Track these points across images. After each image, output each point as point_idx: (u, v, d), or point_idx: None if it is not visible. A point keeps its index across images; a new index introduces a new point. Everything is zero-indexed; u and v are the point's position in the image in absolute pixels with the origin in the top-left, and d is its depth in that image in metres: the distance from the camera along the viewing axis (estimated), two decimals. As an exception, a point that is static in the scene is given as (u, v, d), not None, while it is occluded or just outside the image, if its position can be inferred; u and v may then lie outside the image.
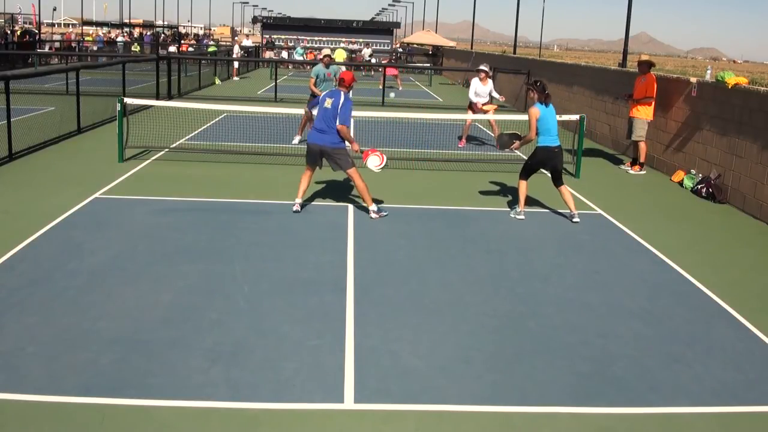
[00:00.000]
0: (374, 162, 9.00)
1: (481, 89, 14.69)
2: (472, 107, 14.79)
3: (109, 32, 56.79)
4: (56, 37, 46.27)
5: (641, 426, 4.36)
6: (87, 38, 48.72)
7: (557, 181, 9.19)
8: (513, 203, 9.93)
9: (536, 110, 8.89)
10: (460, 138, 15.22)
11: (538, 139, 8.99)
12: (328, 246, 7.51)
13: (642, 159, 12.86)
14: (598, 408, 4.53)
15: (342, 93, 8.60)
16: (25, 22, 63.39)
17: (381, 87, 24.21)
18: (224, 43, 53.44)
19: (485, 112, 14.58)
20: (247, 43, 45.81)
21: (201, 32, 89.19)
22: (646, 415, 4.48)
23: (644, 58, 13.41)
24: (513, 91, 24.74)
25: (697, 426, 4.40)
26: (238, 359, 4.92)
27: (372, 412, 4.37)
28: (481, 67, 14.84)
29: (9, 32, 37.30)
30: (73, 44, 41.56)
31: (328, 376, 4.74)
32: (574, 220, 8.97)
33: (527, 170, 9.20)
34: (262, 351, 5.05)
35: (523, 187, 9.17)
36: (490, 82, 14.87)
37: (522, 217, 9.07)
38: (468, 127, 15.26)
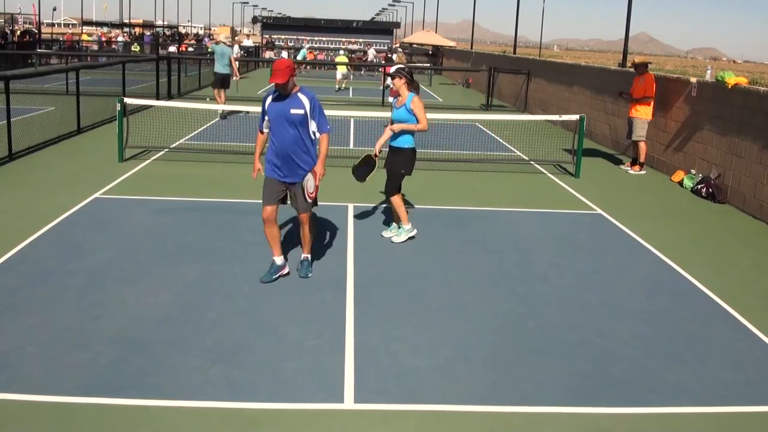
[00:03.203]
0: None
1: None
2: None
3: (109, 32, 56.74)
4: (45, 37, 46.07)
5: (641, 426, 4.36)
6: (86, 38, 48.67)
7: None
8: (512, 203, 9.93)
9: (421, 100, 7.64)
10: None
11: (406, 138, 7.60)
12: (328, 246, 7.51)
13: (642, 159, 12.86)
14: (597, 408, 4.53)
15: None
16: (25, 22, 63.42)
17: (382, 87, 24.35)
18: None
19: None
20: (248, 43, 45.82)
21: (201, 32, 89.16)
22: (646, 415, 4.48)
23: (638, 60, 13.41)
24: (513, 91, 24.75)
25: (697, 426, 4.40)
26: (238, 359, 4.92)
27: (372, 412, 4.37)
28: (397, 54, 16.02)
29: (9, 32, 37.31)
30: (77, 44, 41.45)
31: (327, 376, 4.73)
32: (393, 238, 7.80)
33: (398, 181, 7.73)
34: (262, 351, 5.05)
35: (400, 201, 7.75)
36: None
37: (414, 233, 7.80)
38: None
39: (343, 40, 46.86)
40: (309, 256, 6.71)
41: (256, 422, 4.20)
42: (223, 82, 17.47)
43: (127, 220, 8.21)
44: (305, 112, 6.17)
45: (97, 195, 9.20)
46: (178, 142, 13.40)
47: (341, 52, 35.30)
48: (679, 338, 5.65)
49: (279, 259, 6.50)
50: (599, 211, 9.70)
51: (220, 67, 17.42)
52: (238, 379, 4.66)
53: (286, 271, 6.55)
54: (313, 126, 6.25)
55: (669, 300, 6.49)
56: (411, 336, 5.42)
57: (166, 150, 12.54)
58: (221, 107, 15.85)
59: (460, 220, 8.87)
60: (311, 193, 6.34)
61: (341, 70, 28.63)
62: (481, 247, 7.81)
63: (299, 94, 6.20)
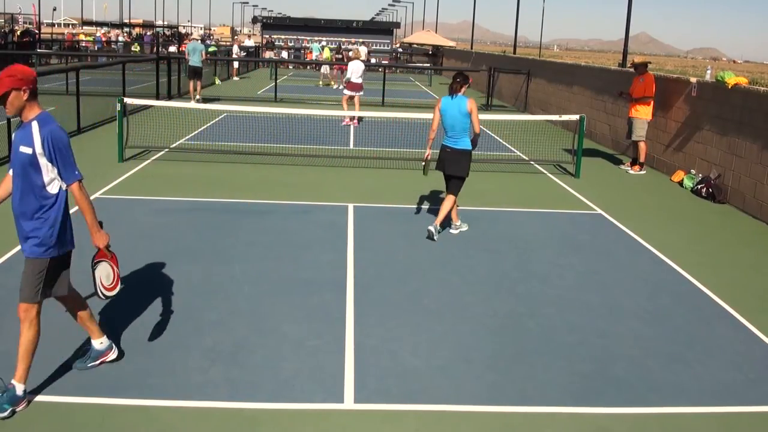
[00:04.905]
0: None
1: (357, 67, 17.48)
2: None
3: (109, 32, 56.73)
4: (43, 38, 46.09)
5: (641, 426, 4.36)
6: (87, 38, 48.69)
7: (449, 189, 8.25)
8: (512, 203, 9.94)
9: (438, 102, 8.59)
10: (352, 119, 17.39)
11: None
12: (327, 246, 7.51)
13: (642, 159, 12.86)
14: (598, 408, 4.53)
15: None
16: (25, 22, 63.41)
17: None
18: (224, 44, 53.41)
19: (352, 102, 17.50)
20: (249, 42, 45.84)
21: (201, 32, 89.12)
22: (646, 415, 4.48)
23: (638, 60, 13.40)
24: (513, 91, 24.75)
25: (697, 426, 4.40)
26: (238, 359, 4.92)
27: (372, 412, 4.37)
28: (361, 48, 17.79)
29: (8, 32, 37.29)
30: (77, 45, 41.45)
31: (328, 376, 4.73)
32: (435, 238, 7.86)
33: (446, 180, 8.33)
34: (262, 351, 5.05)
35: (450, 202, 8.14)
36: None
37: (465, 227, 8.34)
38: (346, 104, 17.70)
39: (343, 40, 46.85)
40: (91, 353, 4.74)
41: (256, 422, 4.20)
42: (195, 73, 19.98)
43: (127, 220, 8.20)
44: (33, 150, 4.07)
45: (97, 195, 9.19)
46: (178, 142, 13.40)
47: (323, 42, 35.66)
48: (679, 338, 5.65)
49: (98, 342, 4.70)
50: (599, 211, 9.70)
51: (193, 61, 19.96)
52: (238, 379, 4.66)
53: (112, 355, 4.78)
54: (50, 173, 4.16)
55: (669, 300, 6.49)
56: (411, 336, 5.42)
57: (166, 150, 12.54)
58: (194, 105, 17.01)
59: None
60: (109, 286, 4.51)
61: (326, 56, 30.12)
62: (481, 247, 7.80)
63: (33, 123, 4.10)
